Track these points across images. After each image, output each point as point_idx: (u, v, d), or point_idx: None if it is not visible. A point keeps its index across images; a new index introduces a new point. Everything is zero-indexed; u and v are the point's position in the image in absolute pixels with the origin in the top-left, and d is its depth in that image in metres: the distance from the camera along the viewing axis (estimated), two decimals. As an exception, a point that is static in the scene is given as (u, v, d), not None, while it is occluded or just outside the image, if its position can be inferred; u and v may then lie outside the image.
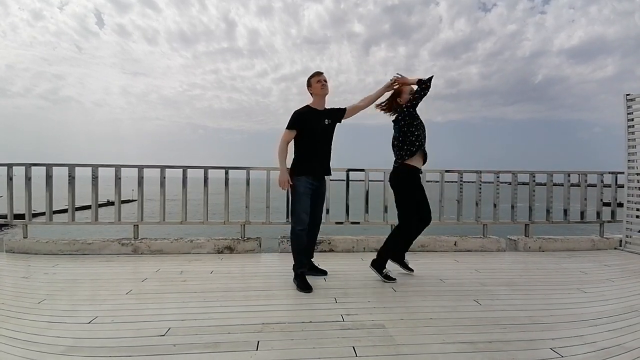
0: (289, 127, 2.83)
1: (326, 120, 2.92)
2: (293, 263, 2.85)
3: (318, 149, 2.91)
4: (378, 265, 2.91)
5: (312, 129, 2.87)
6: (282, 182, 2.82)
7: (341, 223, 4.09)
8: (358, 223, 4.10)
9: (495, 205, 4.30)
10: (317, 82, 2.87)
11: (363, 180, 4.15)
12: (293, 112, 2.88)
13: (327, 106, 2.97)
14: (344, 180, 4.13)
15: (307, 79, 2.95)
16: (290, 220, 3.96)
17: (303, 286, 2.67)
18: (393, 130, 2.95)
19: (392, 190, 2.96)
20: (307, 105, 2.93)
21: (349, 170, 4.09)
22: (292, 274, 2.89)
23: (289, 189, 2.91)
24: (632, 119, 4.10)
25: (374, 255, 3.76)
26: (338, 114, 2.99)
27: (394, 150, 2.95)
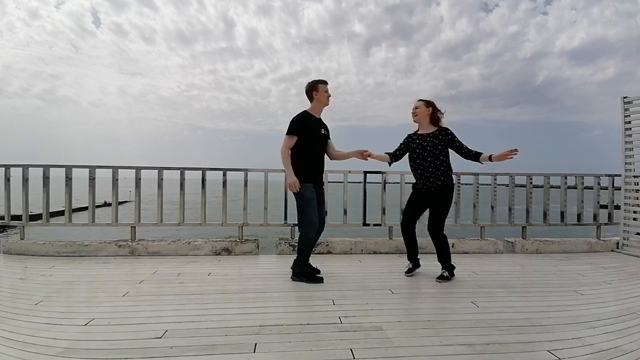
0: (289, 132, 2.80)
1: (322, 130, 2.95)
2: (297, 266, 2.90)
3: (318, 156, 2.93)
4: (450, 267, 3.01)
5: (313, 135, 2.87)
6: (292, 183, 2.78)
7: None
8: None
9: (492, 208, 4.31)
10: (324, 91, 2.88)
11: (361, 182, 4.16)
12: (293, 118, 2.86)
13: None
14: (342, 182, 4.13)
15: (313, 82, 2.89)
16: (288, 222, 3.99)
17: (314, 280, 2.84)
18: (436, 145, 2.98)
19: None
20: (306, 112, 2.90)
21: (349, 172, 4.10)
22: (289, 274, 2.90)
23: (296, 197, 2.88)
24: (629, 122, 4.13)
25: (372, 257, 3.79)
26: (327, 131, 3.01)
27: (443, 166, 2.99)
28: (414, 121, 3.10)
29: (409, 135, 3.17)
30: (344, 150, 3.15)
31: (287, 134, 2.82)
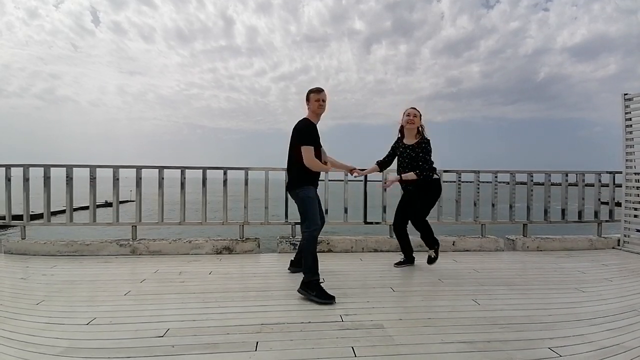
0: (308, 143, 2.72)
1: (319, 137, 2.90)
2: (305, 271, 2.58)
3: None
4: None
5: (317, 143, 2.84)
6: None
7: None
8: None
9: (493, 205, 4.31)
10: (315, 100, 2.80)
11: (362, 181, 4.16)
12: (303, 125, 2.77)
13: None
14: (342, 181, 4.13)
15: (308, 91, 2.86)
16: (289, 221, 3.99)
17: (325, 296, 2.42)
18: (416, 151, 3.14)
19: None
20: (309, 120, 2.84)
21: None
22: (292, 273, 2.87)
23: (298, 199, 2.78)
24: (630, 119, 4.12)
25: (373, 256, 3.82)
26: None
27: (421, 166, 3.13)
28: (408, 128, 3.19)
29: (396, 141, 3.35)
30: (336, 160, 3.24)
31: (304, 144, 2.71)
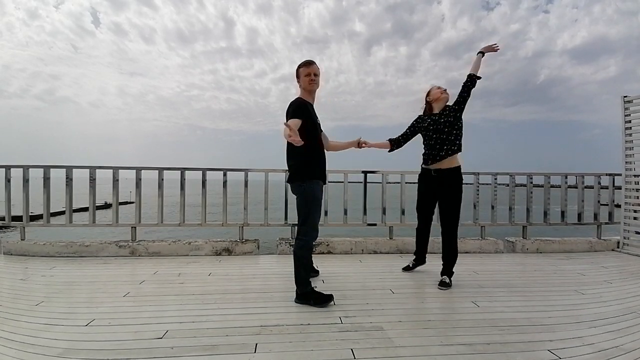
0: (297, 116, 2.33)
1: (317, 118, 2.58)
2: (299, 285, 2.44)
3: (322, 145, 2.58)
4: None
5: (315, 123, 2.49)
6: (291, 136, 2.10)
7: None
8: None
9: (493, 207, 4.31)
10: (305, 75, 2.46)
11: (361, 182, 4.17)
12: (292, 104, 2.43)
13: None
14: (342, 182, 4.13)
15: (296, 68, 2.53)
16: (288, 223, 3.98)
17: (324, 300, 2.37)
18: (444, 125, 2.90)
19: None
20: (300, 98, 2.48)
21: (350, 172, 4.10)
22: (291, 275, 2.85)
23: (301, 195, 2.45)
24: (630, 121, 4.13)
25: (372, 257, 3.79)
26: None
27: (451, 146, 2.93)
28: (442, 98, 2.97)
29: (419, 117, 3.09)
30: (339, 141, 2.95)
31: (291, 117, 2.33)
